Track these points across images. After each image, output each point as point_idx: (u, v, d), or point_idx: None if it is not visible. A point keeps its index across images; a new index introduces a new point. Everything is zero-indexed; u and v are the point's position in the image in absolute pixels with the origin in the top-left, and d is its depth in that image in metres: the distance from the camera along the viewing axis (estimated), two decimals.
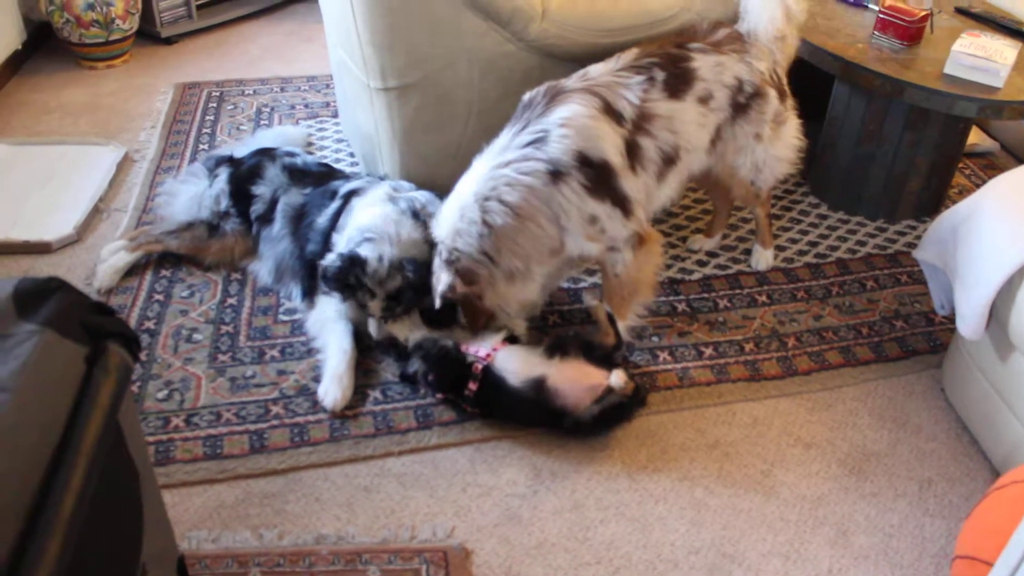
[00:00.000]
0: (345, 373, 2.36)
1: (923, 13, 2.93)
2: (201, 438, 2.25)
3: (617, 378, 2.18)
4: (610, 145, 2.23)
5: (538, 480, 2.19)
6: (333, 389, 2.33)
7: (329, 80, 4.01)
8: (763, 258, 2.94)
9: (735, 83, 2.45)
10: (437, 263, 2.27)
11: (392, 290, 2.36)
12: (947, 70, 2.76)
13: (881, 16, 2.97)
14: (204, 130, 3.65)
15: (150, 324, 2.60)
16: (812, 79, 3.37)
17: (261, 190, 2.76)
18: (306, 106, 3.88)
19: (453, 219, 2.21)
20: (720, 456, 2.28)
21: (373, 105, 2.69)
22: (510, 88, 2.62)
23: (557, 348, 2.29)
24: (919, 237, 3.11)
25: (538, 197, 2.19)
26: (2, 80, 3.93)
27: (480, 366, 2.27)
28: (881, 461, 2.30)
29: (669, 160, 2.38)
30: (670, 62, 2.36)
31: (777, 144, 2.63)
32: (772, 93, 2.54)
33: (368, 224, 2.42)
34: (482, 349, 2.30)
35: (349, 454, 2.23)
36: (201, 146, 3.52)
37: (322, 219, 2.57)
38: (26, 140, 3.52)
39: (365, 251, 2.36)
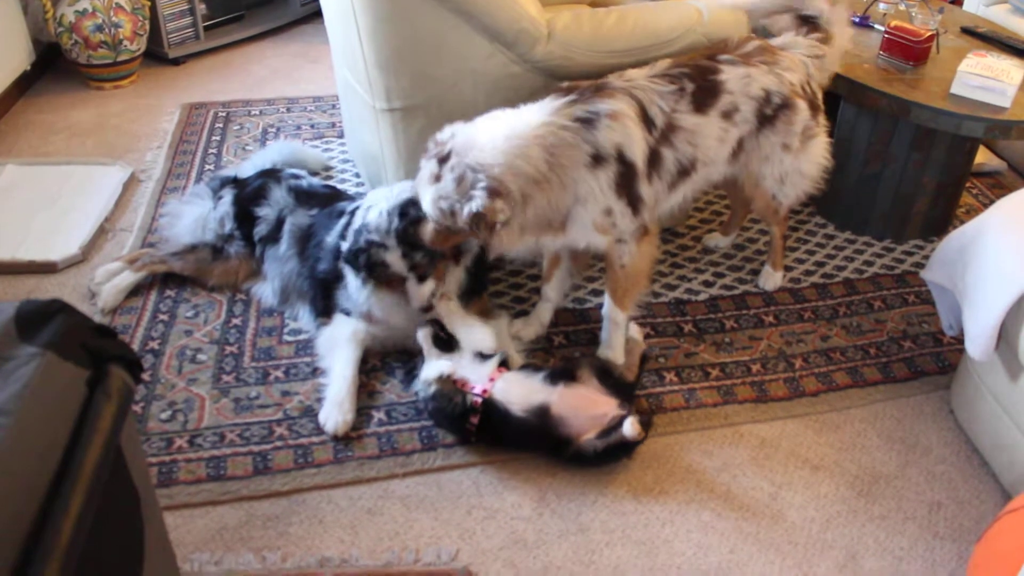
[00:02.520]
0: (346, 398, 2.35)
1: (929, 33, 2.93)
2: (204, 459, 2.24)
3: (631, 428, 2.13)
4: (639, 150, 2.26)
5: (543, 503, 2.17)
6: (334, 414, 2.32)
7: (335, 101, 4.02)
8: (772, 279, 2.93)
9: (762, 95, 2.47)
10: (468, 187, 2.10)
11: (399, 232, 2.35)
12: (954, 90, 2.76)
13: (887, 36, 2.98)
14: (210, 150, 3.66)
15: (154, 344, 2.60)
16: None
17: (266, 211, 2.76)
18: (312, 126, 3.89)
19: (504, 148, 2.12)
20: (727, 478, 2.26)
21: (378, 126, 2.70)
22: None
23: (561, 374, 2.26)
24: (927, 257, 3.09)
25: (576, 172, 2.20)
26: (10, 101, 3.95)
27: (479, 400, 2.24)
28: (890, 483, 2.28)
29: (684, 172, 2.42)
30: (699, 74, 2.39)
31: (803, 158, 2.64)
32: (802, 105, 2.55)
33: (369, 202, 2.48)
34: (478, 386, 2.27)
35: (353, 476, 2.22)
36: (207, 166, 3.53)
37: (330, 237, 2.57)
38: (33, 160, 3.53)
39: (368, 217, 2.41)
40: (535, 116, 2.20)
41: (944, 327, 2.51)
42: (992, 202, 2.94)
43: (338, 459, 2.26)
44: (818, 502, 2.21)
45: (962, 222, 2.67)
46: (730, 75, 2.42)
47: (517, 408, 2.21)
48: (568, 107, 2.22)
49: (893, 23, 2.99)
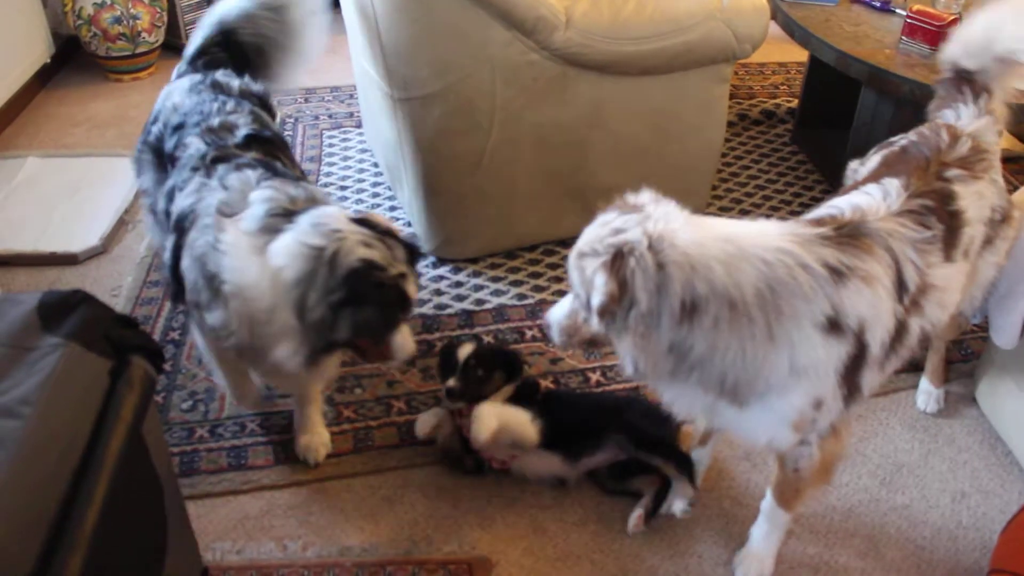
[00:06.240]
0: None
1: (952, 17, 2.90)
2: (225, 449, 2.25)
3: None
4: (881, 331, 1.66)
5: (563, 491, 2.17)
6: None
7: (353, 90, 4.02)
8: (932, 398, 2.46)
9: (991, 215, 1.91)
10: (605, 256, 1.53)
11: (409, 245, 1.89)
12: None
13: (909, 21, 2.94)
14: None
15: (175, 335, 2.61)
16: (838, 86, 3.33)
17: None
18: (330, 116, 3.89)
19: (715, 261, 1.51)
20: (749, 467, 2.25)
21: (396, 115, 2.69)
22: (533, 97, 2.61)
23: None
24: None
25: (799, 330, 1.56)
26: (30, 93, 3.98)
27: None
28: (913, 472, 2.26)
29: (925, 339, 1.83)
30: (941, 205, 1.77)
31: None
32: (1018, 215, 2.04)
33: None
34: None
35: (373, 465, 2.22)
36: None
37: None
38: (54, 152, 3.55)
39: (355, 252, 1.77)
40: (774, 233, 1.61)
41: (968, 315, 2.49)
42: (1016, 188, 2.90)
43: (358, 449, 2.26)
44: (840, 491, 2.20)
45: None
46: (966, 198, 1.82)
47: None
48: (818, 244, 1.60)
49: (915, 7, 2.95)
